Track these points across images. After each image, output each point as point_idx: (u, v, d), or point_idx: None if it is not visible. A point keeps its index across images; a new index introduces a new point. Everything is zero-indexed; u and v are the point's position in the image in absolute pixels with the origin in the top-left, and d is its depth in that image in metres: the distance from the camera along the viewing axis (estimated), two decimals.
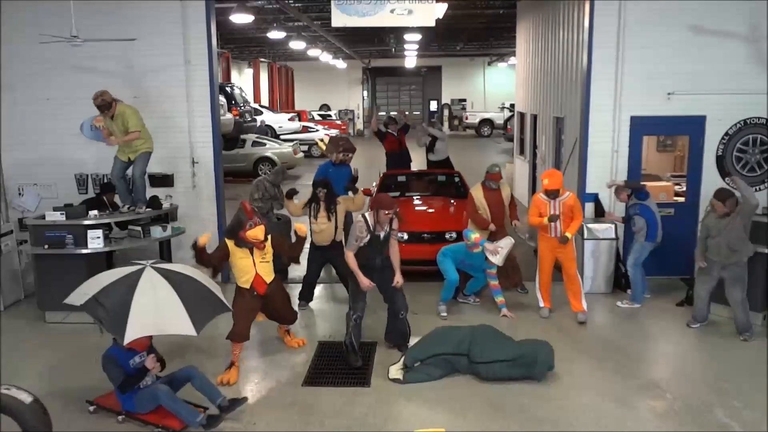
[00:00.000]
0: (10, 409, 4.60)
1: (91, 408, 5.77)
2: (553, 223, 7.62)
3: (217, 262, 6.48)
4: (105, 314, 5.18)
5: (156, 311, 5.21)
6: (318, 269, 8.27)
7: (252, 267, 6.40)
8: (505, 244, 7.84)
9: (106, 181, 9.03)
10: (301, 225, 7.02)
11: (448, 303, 8.02)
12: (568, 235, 7.58)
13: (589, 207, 8.95)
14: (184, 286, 5.41)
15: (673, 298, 8.32)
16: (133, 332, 5.08)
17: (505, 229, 8.46)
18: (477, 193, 8.47)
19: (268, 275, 6.53)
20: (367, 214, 6.70)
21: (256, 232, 6.29)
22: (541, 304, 7.97)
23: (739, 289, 7.07)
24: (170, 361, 6.25)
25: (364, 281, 6.58)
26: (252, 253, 6.39)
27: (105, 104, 7.82)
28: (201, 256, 6.37)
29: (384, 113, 12.68)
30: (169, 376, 5.69)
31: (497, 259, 7.74)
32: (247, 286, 6.42)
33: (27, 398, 4.66)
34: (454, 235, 8.92)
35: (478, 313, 8.03)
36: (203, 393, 5.61)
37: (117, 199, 8.60)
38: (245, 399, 5.77)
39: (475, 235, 7.89)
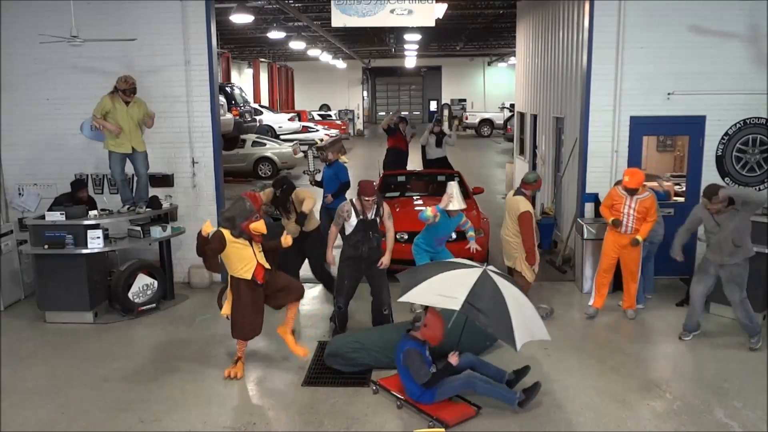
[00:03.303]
0: None
1: (374, 388, 5.89)
2: (624, 221, 7.56)
3: (214, 255, 6.24)
4: (487, 320, 5.12)
5: (524, 318, 5.24)
6: (296, 263, 8.14)
7: (253, 257, 6.26)
8: (450, 187, 7.41)
9: (107, 181, 9.11)
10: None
11: None
12: (639, 238, 7.46)
13: (589, 207, 8.96)
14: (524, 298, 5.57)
15: (673, 298, 8.32)
16: (520, 337, 5.05)
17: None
18: (528, 206, 7.51)
19: (265, 263, 6.41)
20: (354, 200, 7.03)
21: (259, 226, 6.23)
22: (591, 302, 7.87)
23: (737, 290, 6.84)
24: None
25: (329, 256, 7.21)
26: (251, 243, 6.30)
27: (133, 89, 7.96)
28: (204, 246, 6.20)
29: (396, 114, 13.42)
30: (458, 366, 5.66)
31: (455, 204, 7.27)
32: (249, 276, 6.24)
33: None
34: (453, 235, 8.83)
35: None
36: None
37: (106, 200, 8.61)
38: (538, 385, 5.72)
39: (428, 211, 7.26)
